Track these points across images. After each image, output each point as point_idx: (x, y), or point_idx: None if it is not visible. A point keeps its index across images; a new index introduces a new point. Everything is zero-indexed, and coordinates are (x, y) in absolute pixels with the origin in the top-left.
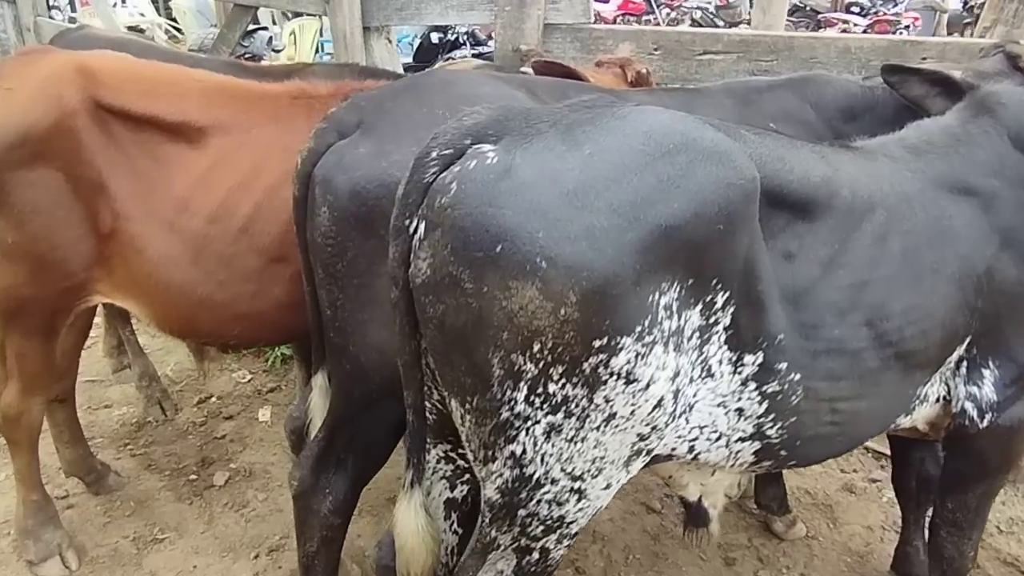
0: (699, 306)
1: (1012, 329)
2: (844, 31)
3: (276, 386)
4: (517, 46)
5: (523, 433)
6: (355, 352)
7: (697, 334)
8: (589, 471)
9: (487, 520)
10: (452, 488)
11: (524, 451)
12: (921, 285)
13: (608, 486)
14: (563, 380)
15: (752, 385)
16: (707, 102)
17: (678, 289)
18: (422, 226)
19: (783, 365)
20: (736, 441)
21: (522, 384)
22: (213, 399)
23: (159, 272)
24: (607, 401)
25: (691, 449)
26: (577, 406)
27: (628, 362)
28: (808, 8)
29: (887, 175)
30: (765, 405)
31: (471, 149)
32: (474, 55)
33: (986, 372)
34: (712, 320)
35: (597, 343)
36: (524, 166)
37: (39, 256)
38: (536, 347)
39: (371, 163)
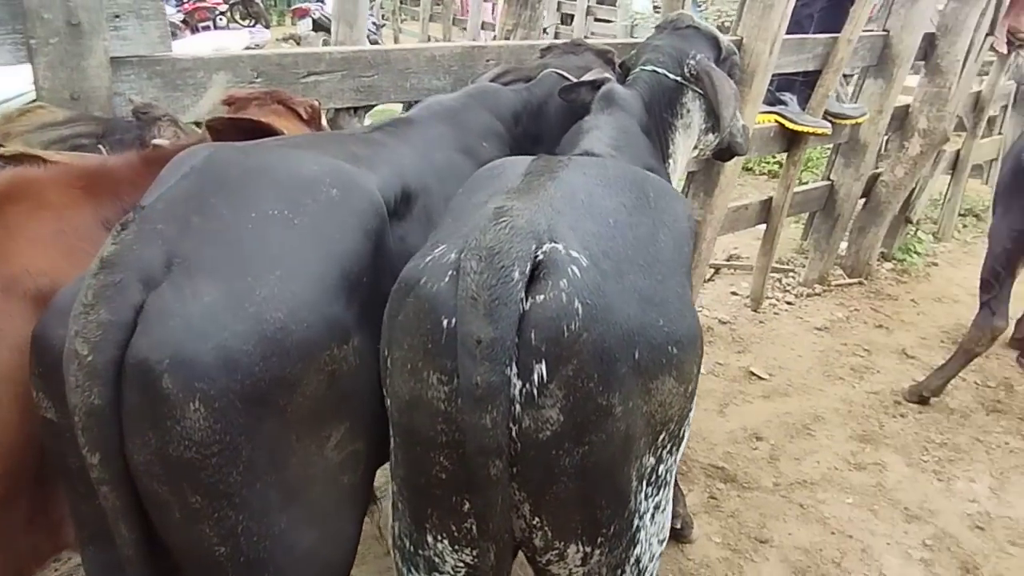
0: None
1: None
2: None
3: None
4: (77, 91)
5: (642, 532)
6: None
7: None
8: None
9: None
10: None
11: (642, 548)
12: None
13: None
14: (671, 455)
15: None
16: (425, 132)
17: None
18: (541, 368)
19: None
20: None
21: (644, 483)
22: None
23: None
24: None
25: None
26: (670, 474)
27: None
28: None
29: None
30: None
31: (547, 254)
32: None
33: None
34: None
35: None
36: (600, 256)
37: None
38: (662, 437)
39: (236, 315)
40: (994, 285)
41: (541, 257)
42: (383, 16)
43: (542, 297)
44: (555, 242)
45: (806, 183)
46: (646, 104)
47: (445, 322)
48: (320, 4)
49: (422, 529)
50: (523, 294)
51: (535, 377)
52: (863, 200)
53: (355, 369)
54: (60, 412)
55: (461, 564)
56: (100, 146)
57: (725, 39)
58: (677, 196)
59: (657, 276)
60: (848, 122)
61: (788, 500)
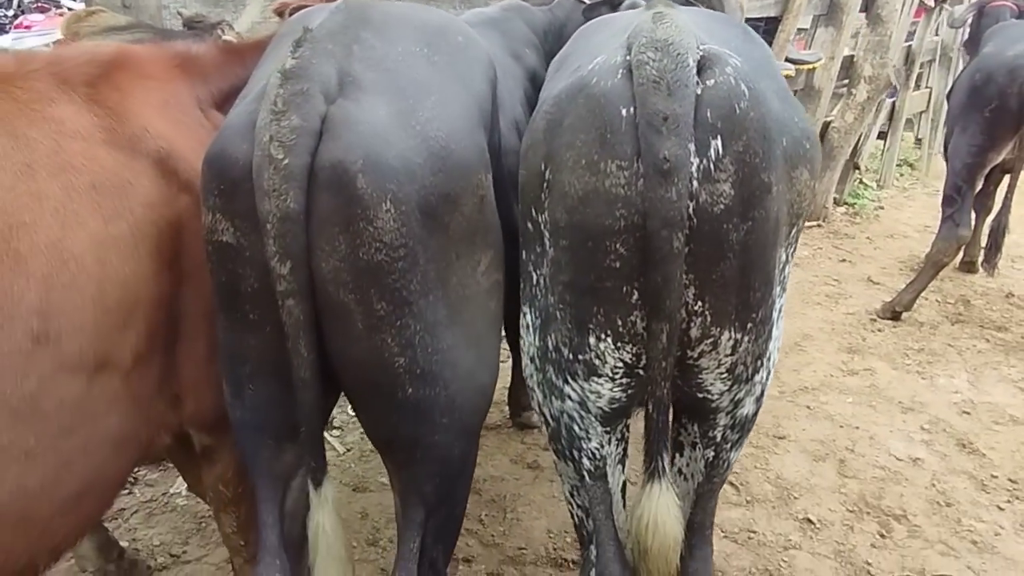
0: None
1: None
2: None
3: None
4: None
5: (776, 328)
6: (451, 396)
7: None
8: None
9: (730, 446)
10: (622, 470)
11: (773, 345)
12: None
13: None
14: (790, 262)
15: None
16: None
17: None
18: (716, 143)
19: None
20: None
21: (780, 275)
22: None
23: None
24: None
25: None
26: (787, 282)
27: None
28: None
29: None
30: None
31: (707, 49)
32: None
33: None
34: None
35: None
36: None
37: None
38: (793, 231)
39: (407, 130)
40: (956, 199)
41: (703, 52)
42: None
43: (712, 81)
44: (708, 44)
45: None
46: None
47: (624, 111)
48: None
49: (584, 331)
50: (697, 78)
51: (711, 152)
52: None
53: (492, 202)
54: (240, 231)
55: (620, 364)
56: None
57: None
58: (760, 38)
59: (782, 84)
60: (806, 67)
61: (795, 404)
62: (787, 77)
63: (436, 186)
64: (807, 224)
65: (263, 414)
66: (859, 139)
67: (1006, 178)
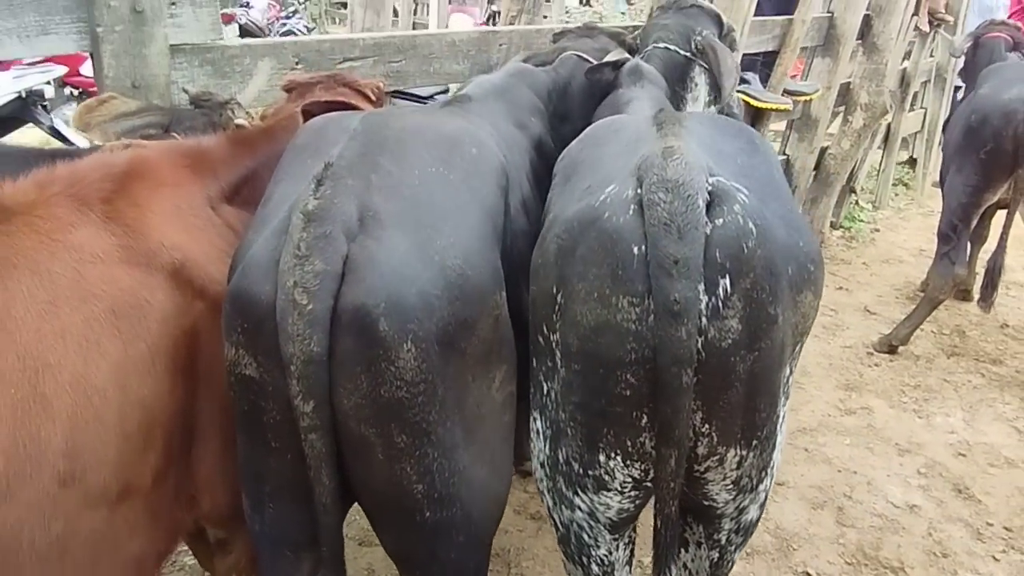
0: None
1: None
2: None
3: None
4: (137, 79)
5: (779, 437)
6: (467, 513)
7: None
8: None
9: (734, 548)
10: (629, 570)
11: (777, 453)
12: None
13: None
14: (792, 372)
15: None
16: (487, 107)
17: None
18: (725, 282)
19: None
20: None
21: (784, 390)
22: None
23: None
24: None
25: None
26: (791, 388)
27: None
28: None
29: None
30: None
31: (715, 185)
32: None
33: None
34: None
35: None
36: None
37: None
38: (797, 347)
39: (426, 263)
40: (952, 237)
41: (711, 188)
42: (312, 19)
43: (721, 220)
44: (718, 176)
45: None
46: (666, 81)
47: (635, 249)
48: (245, 10)
49: (595, 449)
50: (706, 219)
51: (720, 291)
52: (814, 172)
53: (506, 318)
54: (264, 367)
55: (629, 479)
56: (172, 134)
57: (726, 18)
58: (768, 142)
59: (788, 205)
60: (803, 98)
61: (793, 446)
62: (785, 111)
63: (454, 315)
64: None
65: (282, 529)
66: (855, 164)
67: (1001, 212)
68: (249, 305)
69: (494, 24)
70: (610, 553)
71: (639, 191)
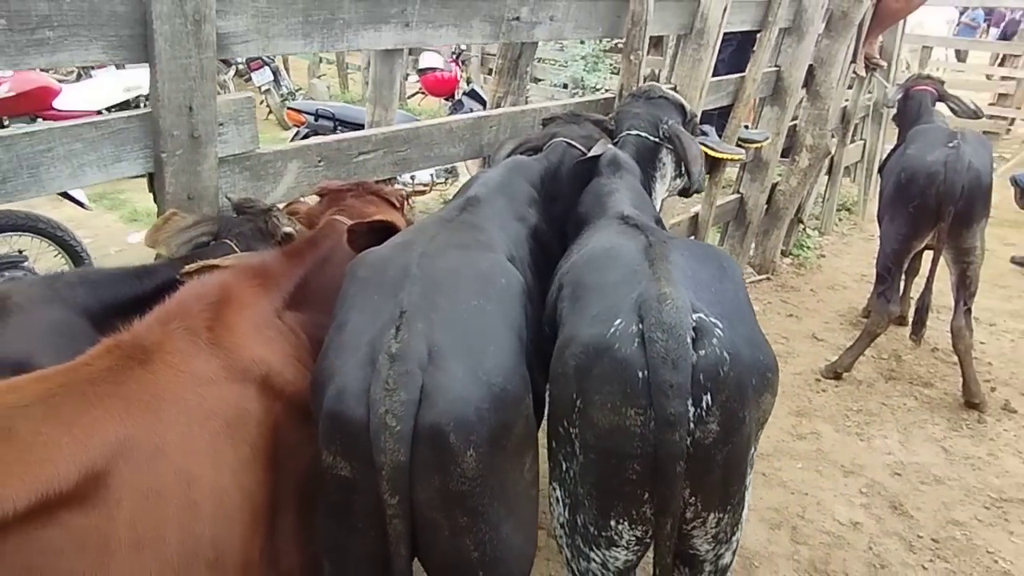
0: None
1: None
2: None
3: None
4: (192, 192)
5: (747, 499)
6: (510, 571)
7: None
8: None
9: None
10: None
11: (745, 512)
12: None
13: None
14: (756, 449)
15: None
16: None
17: None
18: (707, 397)
19: None
20: None
21: (750, 465)
22: None
23: None
24: None
25: None
26: (754, 460)
27: None
28: None
29: None
30: None
31: (698, 322)
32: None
33: None
34: None
35: None
36: (722, 317)
37: None
38: (759, 433)
39: (478, 385)
40: (887, 279)
41: (695, 324)
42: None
43: (704, 351)
44: (699, 312)
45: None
46: (638, 163)
47: (640, 374)
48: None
49: (607, 516)
50: (693, 351)
51: (703, 404)
52: (765, 207)
53: (532, 415)
54: (355, 469)
55: (633, 537)
56: (227, 241)
57: (688, 105)
58: (733, 260)
59: (750, 324)
60: (755, 146)
61: (755, 471)
62: (739, 160)
63: (499, 422)
64: (757, 278)
65: None
66: (802, 199)
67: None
68: (346, 424)
69: (460, 60)
70: None
71: (640, 327)
